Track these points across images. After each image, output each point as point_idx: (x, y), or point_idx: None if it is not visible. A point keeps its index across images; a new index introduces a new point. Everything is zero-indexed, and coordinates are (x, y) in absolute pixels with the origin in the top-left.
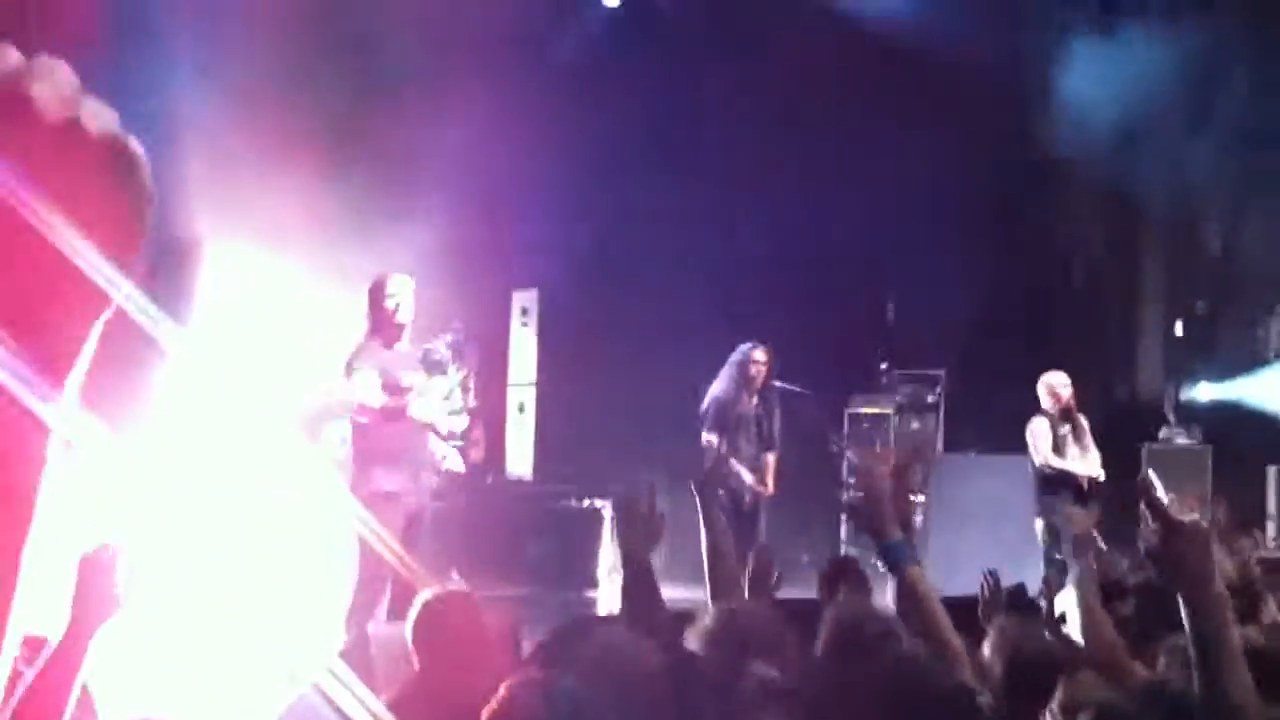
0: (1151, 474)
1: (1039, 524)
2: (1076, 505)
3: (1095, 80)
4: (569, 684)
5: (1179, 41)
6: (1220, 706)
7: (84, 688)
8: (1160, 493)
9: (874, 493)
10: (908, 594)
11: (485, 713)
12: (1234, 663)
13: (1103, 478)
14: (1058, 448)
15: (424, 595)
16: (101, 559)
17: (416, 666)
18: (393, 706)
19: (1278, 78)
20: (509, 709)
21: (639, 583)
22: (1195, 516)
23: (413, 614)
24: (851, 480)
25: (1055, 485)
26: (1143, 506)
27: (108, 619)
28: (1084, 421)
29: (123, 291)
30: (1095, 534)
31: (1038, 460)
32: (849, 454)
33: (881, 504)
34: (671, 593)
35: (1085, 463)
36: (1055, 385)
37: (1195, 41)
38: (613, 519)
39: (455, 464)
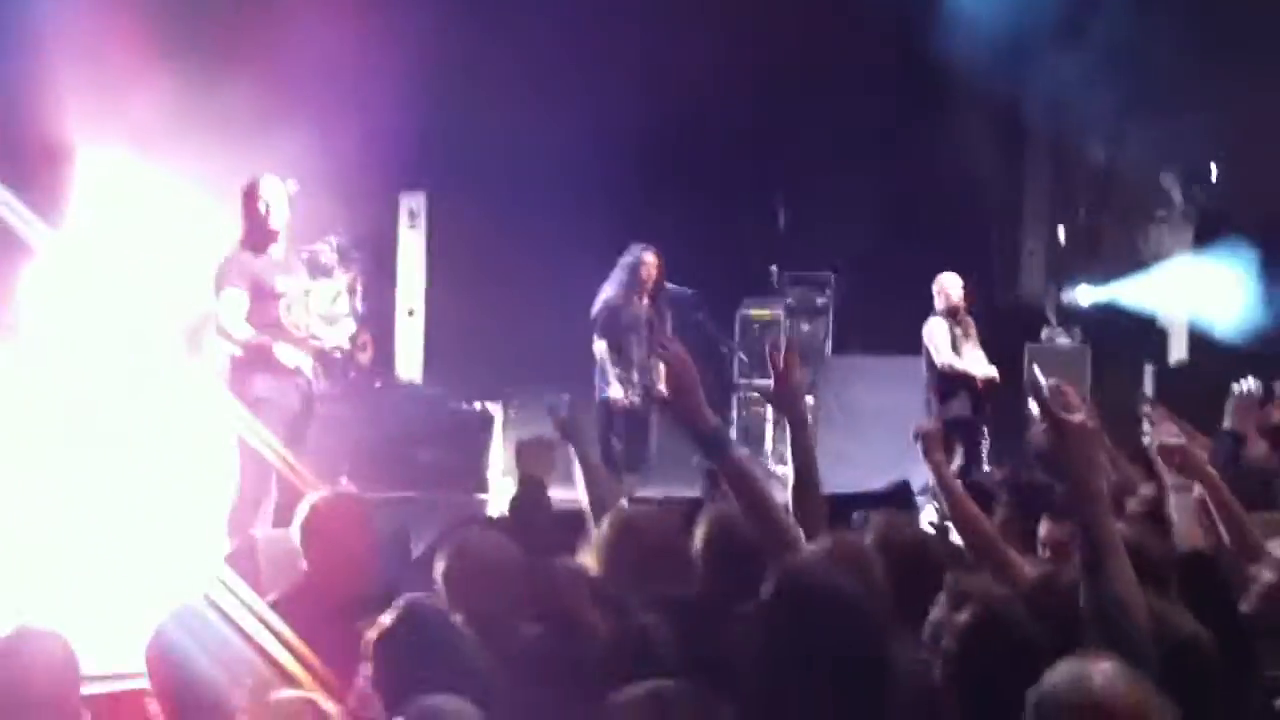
0: (1038, 371)
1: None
2: (972, 403)
3: None
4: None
5: None
6: (1104, 599)
7: None
8: (1045, 386)
9: (683, 383)
10: (734, 481)
11: (372, 632)
12: (1117, 556)
13: (997, 377)
14: (954, 348)
15: (312, 497)
16: None
17: (304, 568)
18: (278, 607)
19: None
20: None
21: (529, 496)
22: (1083, 414)
23: (300, 515)
24: (741, 382)
25: (952, 385)
26: (1032, 405)
27: None
28: (971, 322)
29: None
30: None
31: (939, 361)
32: (661, 348)
33: (692, 394)
34: (564, 494)
35: (978, 362)
36: (947, 286)
37: None
38: (511, 437)
39: (337, 340)
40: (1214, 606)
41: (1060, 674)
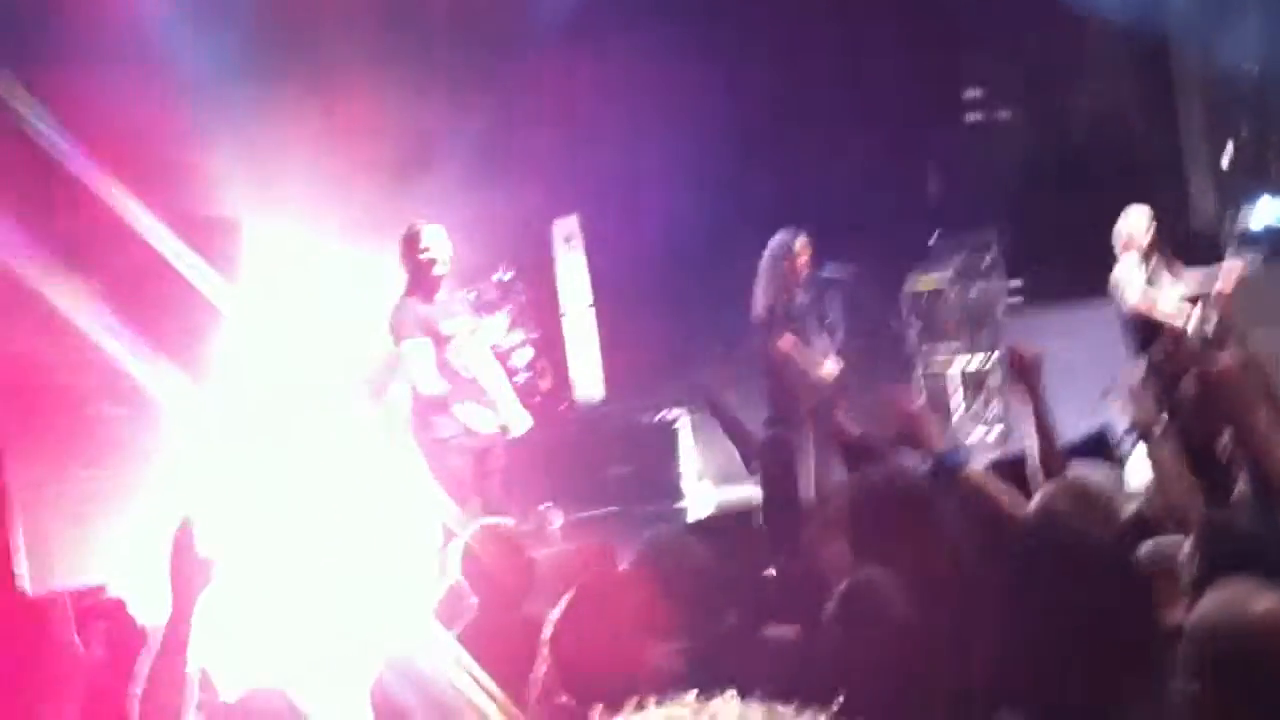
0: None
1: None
2: (1174, 345)
3: None
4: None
5: None
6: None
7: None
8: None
9: (914, 416)
10: (971, 495)
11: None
12: None
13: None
14: (1150, 283)
15: (463, 535)
16: (183, 534)
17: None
18: (463, 640)
19: None
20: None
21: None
22: (1226, 360)
23: (457, 551)
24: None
25: (1152, 327)
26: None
27: (202, 590)
28: (1166, 256)
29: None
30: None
31: (1131, 303)
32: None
33: (923, 423)
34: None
35: (1182, 290)
36: (1125, 228)
37: None
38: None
39: (518, 427)
40: None
41: (1218, 602)
